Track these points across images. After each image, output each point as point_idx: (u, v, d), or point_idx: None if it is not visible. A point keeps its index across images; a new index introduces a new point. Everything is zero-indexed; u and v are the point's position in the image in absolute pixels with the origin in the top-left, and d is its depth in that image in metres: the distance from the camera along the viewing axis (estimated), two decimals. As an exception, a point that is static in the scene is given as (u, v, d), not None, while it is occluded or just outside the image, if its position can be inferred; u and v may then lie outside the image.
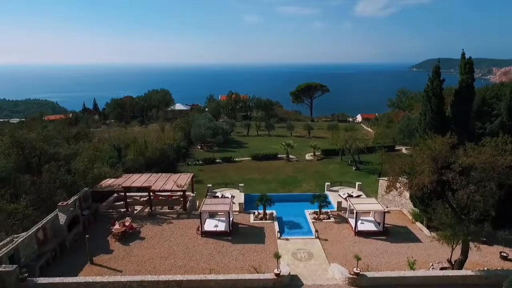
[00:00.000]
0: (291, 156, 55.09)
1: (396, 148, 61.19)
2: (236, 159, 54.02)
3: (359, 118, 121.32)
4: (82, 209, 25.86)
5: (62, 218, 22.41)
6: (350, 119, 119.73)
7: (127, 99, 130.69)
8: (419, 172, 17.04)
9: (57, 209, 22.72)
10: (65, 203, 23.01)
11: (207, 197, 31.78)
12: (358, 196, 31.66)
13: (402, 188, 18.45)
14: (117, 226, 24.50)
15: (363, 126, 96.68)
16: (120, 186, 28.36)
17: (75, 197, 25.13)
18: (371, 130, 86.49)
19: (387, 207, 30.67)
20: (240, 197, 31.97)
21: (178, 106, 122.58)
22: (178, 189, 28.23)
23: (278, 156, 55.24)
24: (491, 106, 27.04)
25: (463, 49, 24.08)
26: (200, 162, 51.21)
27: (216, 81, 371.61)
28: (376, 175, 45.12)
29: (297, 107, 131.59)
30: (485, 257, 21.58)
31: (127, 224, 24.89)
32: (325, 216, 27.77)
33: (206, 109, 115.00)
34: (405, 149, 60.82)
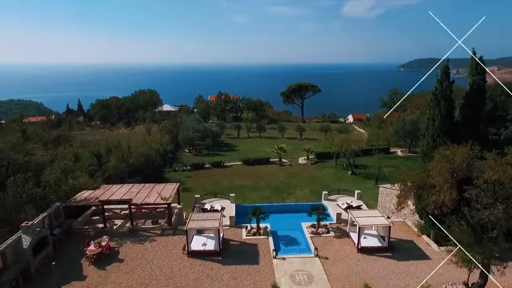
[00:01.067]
0: (284, 160, 52.78)
1: (391, 150, 59.50)
2: (227, 163, 51.41)
3: (350, 118, 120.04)
4: (53, 228, 22.93)
5: (26, 241, 19.48)
6: (342, 120, 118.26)
7: (113, 100, 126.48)
8: (438, 187, 14.82)
9: (20, 231, 19.76)
10: (29, 223, 20.08)
11: (195, 209, 29.20)
12: (358, 207, 29.48)
13: (414, 207, 16.22)
14: (92, 247, 21.66)
15: (355, 127, 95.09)
16: (97, 200, 25.49)
17: (43, 215, 22.19)
18: (363, 131, 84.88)
19: (388, 217, 28.55)
20: (231, 208, 29.41)
21: (166, 107, 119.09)
22: (162, 202, 25.51)
23: (271, 160, 52.85)
24: (505, 110, 25.31)
25: (473, 48, 22.06)
26: (188, 167, 48.38)
27: (206, 81, 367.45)
28: (373, 180, 43.20)
29: (287, 108, 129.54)
30: (501, 276, 19.57)
31: (103, 244, 22.05)
32: (323, 230, 25.47)
33: (195, 110, 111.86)
34: (400, 151, 59.31)
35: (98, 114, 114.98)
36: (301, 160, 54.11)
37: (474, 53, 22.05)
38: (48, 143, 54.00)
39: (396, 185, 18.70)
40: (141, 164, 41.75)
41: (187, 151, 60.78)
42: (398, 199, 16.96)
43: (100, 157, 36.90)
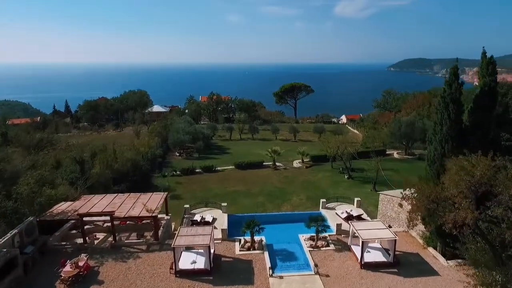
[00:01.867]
0: (278, 164, 50.90)
1: (387, 152, 58.05)
2: (218, 168, 49.31)
3: (343, 119, 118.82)
4: (24, 246, 20.62)
5: (-10, 265, 17.22)
6: (335, 120, 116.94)
7: (102, 100, 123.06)
8: (457, 204, 13.09)
9: (-17, 253, 17.49)
10: (-5, 243, 17.81)
11: (184, 221, 27.15)
12: (359, 216, 27.78)
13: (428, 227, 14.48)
14: (68, 267, 19.45)
15: (349, 127, 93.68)
16: (76, 213, 23.24)
17: (13, 232, 19.88)
18: (357, 132, 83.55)
19: (389, 226, 26.94)
20: (223, 219, 27.43)
21: (156, 108, 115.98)
22: (148, 214, 23.40)
23: (264, 164, 50.92)
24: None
25: (483, 47, 20.50)
26: (177, 173, 46.08)
27: (198, 81, 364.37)
28: (371, 184, 41.60)
29: (280, 108, 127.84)
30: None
31: (81, 264, 19.86)
32: (323, 242, 23.67)
33: (186, 111, 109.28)
34: (397, 153, 57.92)
35: (86, 116, 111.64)
36: (296, 164, 52.32)
37: (485, 53, 20.46)
38: (30, 147, 51.23)
39: (402, 194, 16.97)
40: (128, 170, 39.44)
41: (178, 154, 58.46)
42: (409, 215, 15.21)
43: (83, 163, 34.44)
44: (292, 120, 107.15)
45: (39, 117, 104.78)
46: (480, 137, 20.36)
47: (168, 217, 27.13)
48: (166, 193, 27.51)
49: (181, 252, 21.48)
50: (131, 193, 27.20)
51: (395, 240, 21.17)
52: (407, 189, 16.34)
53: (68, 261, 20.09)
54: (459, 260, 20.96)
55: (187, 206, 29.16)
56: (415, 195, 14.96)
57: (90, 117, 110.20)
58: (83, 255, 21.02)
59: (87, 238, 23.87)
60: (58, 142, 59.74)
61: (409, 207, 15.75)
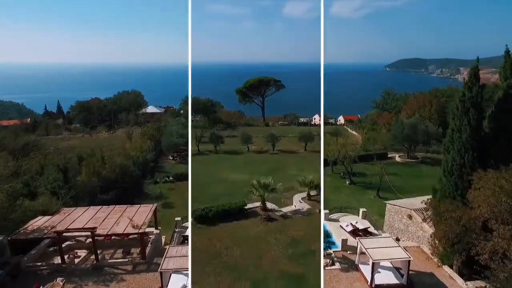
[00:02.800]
0: (269, 206, 29.01)
1: (389, 155, 56.04)
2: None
3: (341, 119, 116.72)
4: (-8, 270, 18.26)
5: None
6: (303, 120, 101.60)
7: (95, 101, 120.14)
8: (496, 232, 10.96)
9: None
10: (-48, 272, 15.42)
11: (175, 237, 24.87)
12: (365, 229, 25.63)
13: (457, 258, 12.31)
14: (40, 295, 17.12)
15: (347, 129, 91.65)
16: (53, 230, 20.85)
17: (-23, 255, 17.52)
18: (355, 133, 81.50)
19: (397, 239, 24.89)
20: (217, 233, 25.10)
21: (151, 109, 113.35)
22: (134, 231, 21.10)
23: (247, 208, 28.55)
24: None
25: (506, 45, 18.47)
26: (170, 178, 43.67)
27: (194, 81, 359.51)
28: (373, 190, 39.60)
29: (242, 108, 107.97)
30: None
31: (56, 290, 17.55)
32: (328, 261, 21.48)
33: (181, 112, 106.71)
34: (399, 156, 55.93)
35: (78, 117, 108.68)
36: (297, 201, 31.31)
37: (508, 52, 18.43)
38: (15, 151, 48.64)
39: (424, 214, 14.83)
40: (117, 176, 37.05)
41: (171, 158, 56.09)
42: (433, 240, 13.05)
43: (67, 171, 31.97)
44: (260, 122, 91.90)
45: (29, 119, 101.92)
46: (504, 145, 18.36)
47: (158, 231, 24.84)
48: (155, 204, 25.24)
49: (170, 275, 19.18)
50: (117, 206, 24.82)
51: (409, 261, 19.00)
52: (430, 208, 14.24)
53: (41, 286, 17.76)
54: (479, 282, 18.92)
55: (178, 219, 26.85)
56: (443, 218, 12.79)
57: (83, 118, 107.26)
58: (59, 279, 18.67)
59: (66, 256, 21.53)
60: (46, 146, 57.19)
61: (431, 229, 13.60)
